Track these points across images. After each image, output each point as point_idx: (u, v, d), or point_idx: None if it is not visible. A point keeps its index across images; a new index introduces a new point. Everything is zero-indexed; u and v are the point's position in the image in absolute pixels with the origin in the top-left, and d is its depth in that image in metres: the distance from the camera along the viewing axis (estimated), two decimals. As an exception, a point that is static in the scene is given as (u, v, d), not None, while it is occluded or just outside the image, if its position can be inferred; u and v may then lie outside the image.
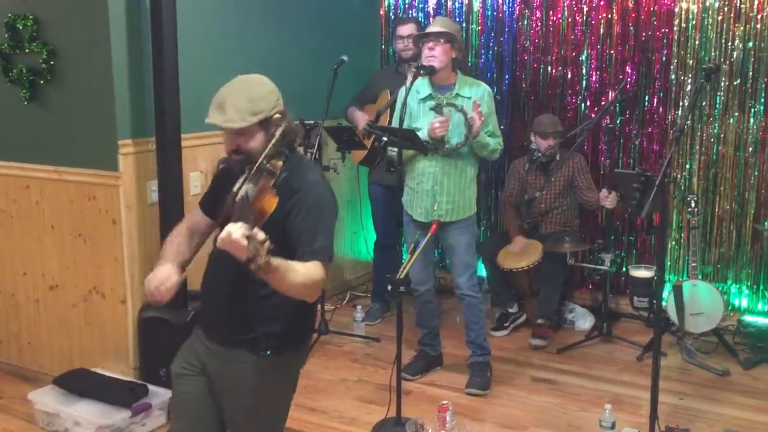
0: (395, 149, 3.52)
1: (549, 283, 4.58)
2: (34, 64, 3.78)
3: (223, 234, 1.88)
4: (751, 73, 4.50)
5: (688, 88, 4.66)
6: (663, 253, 4.62)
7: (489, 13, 5.25)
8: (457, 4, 5.33)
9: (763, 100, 4.49)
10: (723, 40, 4.55)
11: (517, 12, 5.15)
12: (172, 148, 3.66)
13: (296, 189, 2.17)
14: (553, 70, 5.08)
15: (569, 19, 4.98)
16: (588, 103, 4.99)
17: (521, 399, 3.80)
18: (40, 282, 4.03)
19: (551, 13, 5.03)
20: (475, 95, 3.70)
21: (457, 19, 5.28)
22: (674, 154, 4.54)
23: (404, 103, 3.57)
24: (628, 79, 4.79)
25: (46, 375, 3.93)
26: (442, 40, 3.65)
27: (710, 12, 4.56)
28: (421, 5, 5.47)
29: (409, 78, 3.81)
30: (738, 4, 4.47)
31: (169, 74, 3.57)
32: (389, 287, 3.12)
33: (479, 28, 5.30)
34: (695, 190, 4.68)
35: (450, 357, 4.18)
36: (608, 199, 4.32)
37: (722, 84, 4.58)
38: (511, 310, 4.77)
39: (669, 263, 4.85)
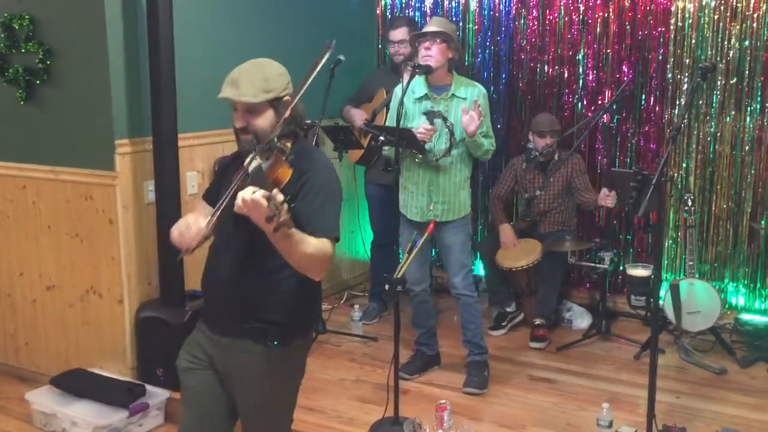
0: (390, 148, 3.52)
1: (548, 282, 4.58)
2: (30, 64, 3.78)
3: (244, 194, 1.88)
4: (747, 72, 4.51)
5: (685, 86, 4.67)
6: (660, 251, 4.64)
7: (485, 12, 5.25)
8: (453, 3, 5.33)
9: (759, 98, 4.49)
10: (719, 39, 4.56)
11: (514, 11, 5.15)
12: (169, 148, 3.65)
13: (305, 170, 2.18)
14: (550, 70, 5.08)
15: (566, 18, 4.98)
16: (585, 102, 4.99)
17: (519, 398, 3.80)
18: (36, 282, 4.03)
19: (548, 12, 5.03)
20: (471, 96, 3.70)
21: (454, 19, 5.28)
22: (671, 152, 4.56)
23: (401, 103, 3.57)
24: (629, 78, 4.79)
25: (43, 375, 3.92)
26: (438, 40, 3.65)
27: (706, 11, 4.56)
28: (417, 5, 5.47)
29: (406, 77, 3.81)
30: (734, 3, 4.48)
31: (165, 74, 3.56)
32: (387, 287, 3.12)
33: (476, 27, 5.30)
34: (692, 189, 4.69)
35: (447, 356, 4.18)
36: (608, 199, 4.32)
37: (719, 83, 4.58)
38: (508, 309, 4.77)
39: (666, 262, 4.86)
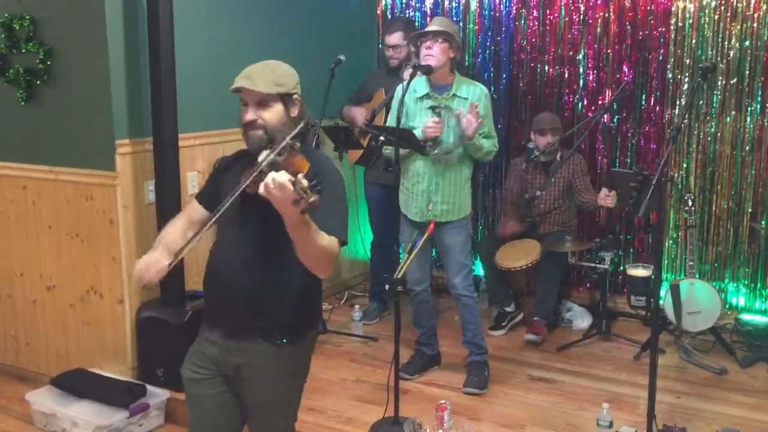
0: (390, 148, 3.53)
1: (547, 282, 4.58)
2: (30, 65, 3.78)
3: (268, 180, 1.88)
4: (747, 72, 4.51)
5: (685, 87, 4.67)
6: (660, 251, 4.64)
7: (486, 12, 5.25)
8: (454, 4, 5.33)
9: (759, 98, 4.49)
10: (720, 39, 4.56)
11: (514, 11, 5.15)
12: (170, 148, 3.65)
13: (316, 172, 2.17)
14: (551, 70, 5.08)
15: (566, 18, 4.98)
16: (585, 102, 4.99)
17: (519, 398, 3.80)
18: (37, 282, 4.03)
19: (548, 12, 5.03)
20: (473, 96, 3.70)
21: (455, 19, 5.28)
22: (671, 152, 4.56)
23: (401, 102, 3.57)
24: (630, 78, 4.79)
25: (44, 375, 3.92)
26: (440, 40, 3.65)
27: (707, 11, 4.57)
28: (417, 5, 5.47)
29: (406, 77, 3.81)
30: (735, 3, 4.48)
31: (166, 74, 3.56)
32: (387, 287, 3.12)
33: (476, 27, 5.30)
34: (692, 189, 4.69)
35: (448, 356, 4.18)
36: (608, 199, 4.32)
37: (719, 83, 4.58)
38: (508, 309, 4.77)
39: (666, 262, 4.86)
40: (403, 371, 3.81)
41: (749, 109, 4.54)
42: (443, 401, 3.03)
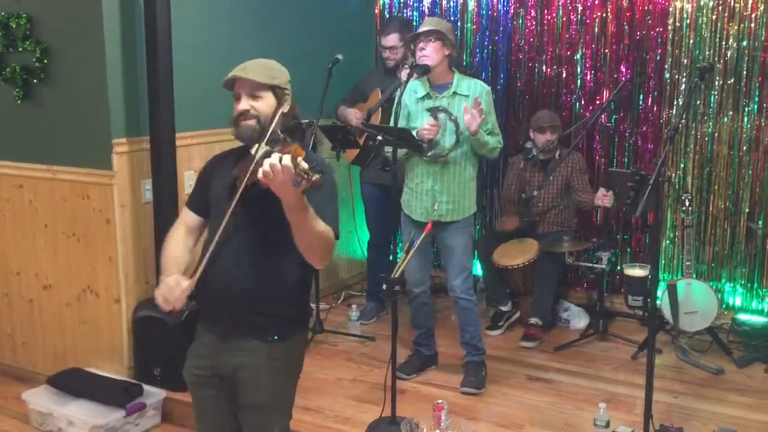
0: (390, 148, 3.52)
1: (544, 282, 4.58)
2: (27, 63, 3.77)
3: (273, 160, 1.90)
4: (745, 72, 4.51)
5: (683, 87, 4.67)
6: (657, 252, 4.65)
7: (484, 12, 5.25)
8: (451, 3, 5.33)
9: (757, 99, 4.50)
10: (717, 39, 4.56)
11: (512, 11, 5.15)
12: (167, 147, 3.65)
13: (309, 159, 2.19)
14: (548, 69, 5.08)
15: (564, 18, 4.98)
16: (583, 102, 4.99)
17: (516, 398, 3.80)
18: (33, 282, 4.02)
19: (546, 11, 5.03)
20: (474, 93, 3.70)
21: (452, 18, 5.28)
22: (668, 152, 4.56)
23: (399, 102, 3.56)
24: (627, 78, 4.79)
25: (40, 375, 3.92)
26: (432, 39, 3.65)
27: (704, 11, 4.57)
28: (415, 4, 5.47)
29: (403, 77, 3.80)
30: (732, 4, 4.48)
31: (163, 73, 3.56)
32: (384, 286, 3.12)
33: (474, 26, 5.30)
34: (689, 189, 4.69)
35: (445, 356, 4.18)
36: (605, 199, 4.32)
37: (716, 83, 4.59)
38: (504, 308, 4.77)
39: (663, 262, 4.86)
40: (400, 371, 3.81)
41: (746, 109, 4.54)
42: (440, 401, 3.02)
